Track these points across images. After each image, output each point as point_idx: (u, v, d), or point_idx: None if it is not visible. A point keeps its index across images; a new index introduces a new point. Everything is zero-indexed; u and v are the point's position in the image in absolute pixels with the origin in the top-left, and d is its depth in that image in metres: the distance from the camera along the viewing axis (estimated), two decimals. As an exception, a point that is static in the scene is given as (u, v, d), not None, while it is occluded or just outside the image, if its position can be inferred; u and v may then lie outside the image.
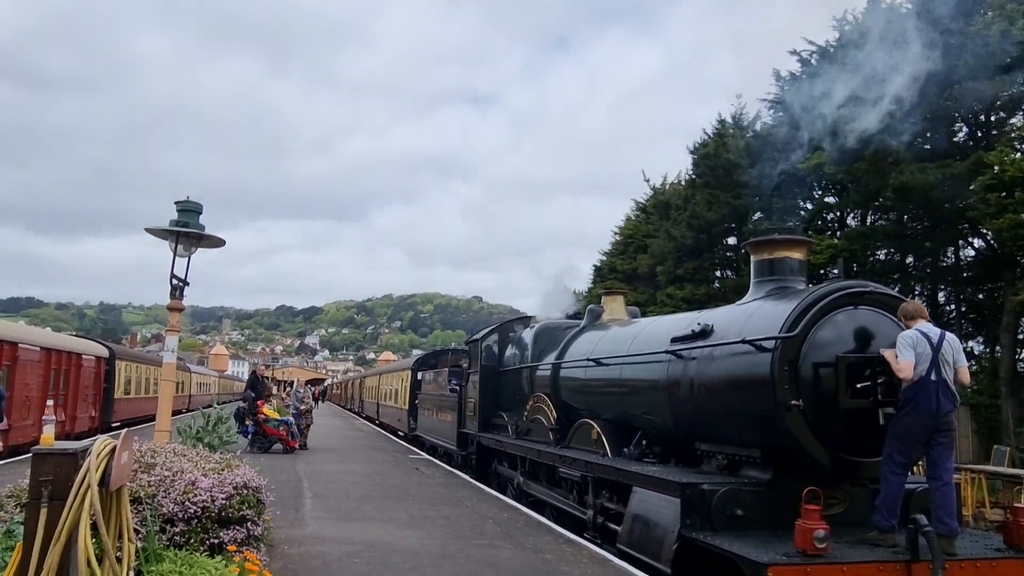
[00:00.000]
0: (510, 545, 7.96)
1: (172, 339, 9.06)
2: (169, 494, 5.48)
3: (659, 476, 6.91)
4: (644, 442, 8.43)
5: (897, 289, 19.28)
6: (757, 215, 26.47)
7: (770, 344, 6.28)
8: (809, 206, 26.05)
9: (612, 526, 7.88)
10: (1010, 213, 18.63)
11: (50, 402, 15.55)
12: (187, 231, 8.46)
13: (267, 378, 26.33)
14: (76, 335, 29.63)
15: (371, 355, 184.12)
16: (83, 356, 20.83)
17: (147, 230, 8.60)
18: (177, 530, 5.40)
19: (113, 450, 3.69)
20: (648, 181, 37.15)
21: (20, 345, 15.94)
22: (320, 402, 52.32)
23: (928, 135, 21.89)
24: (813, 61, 24.93)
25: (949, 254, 24.58)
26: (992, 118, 21.95)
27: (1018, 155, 19.50)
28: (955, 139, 22.74)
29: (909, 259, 25.12)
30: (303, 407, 19.72)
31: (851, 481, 6.32)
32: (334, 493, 11.42)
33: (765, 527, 6.09)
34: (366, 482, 12.94)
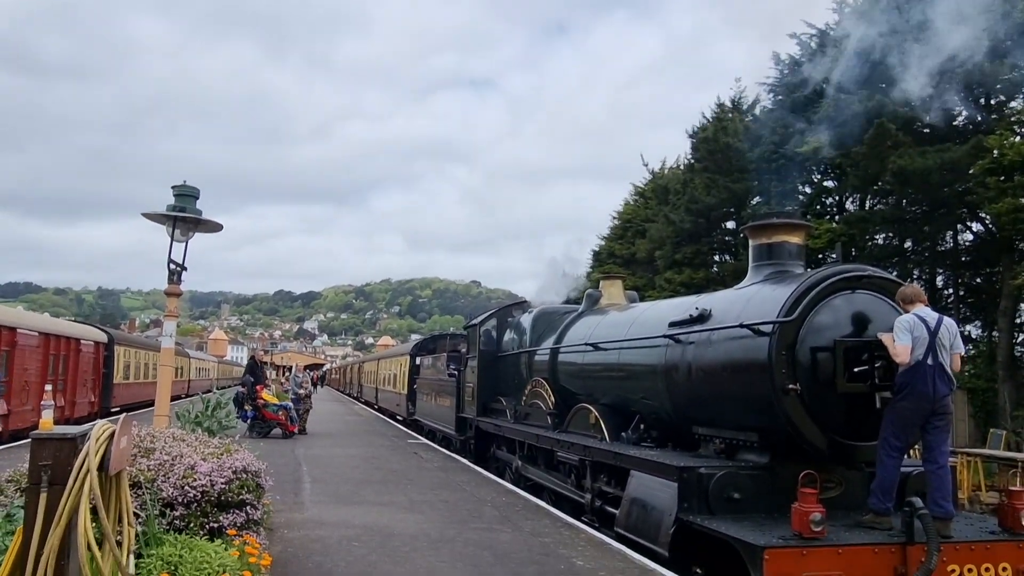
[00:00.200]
0: (508, 529, 8.00)
1: (170, 324, 9.05)
2: (168, 478, 5.50)
3: (657, 460, 6.94)
4: (642, 426, 8.46)
5: (895, 273, 19.28)
6: (756, 199, 26.42)
7: (768, 328, 6.28)
8: (808, 190, 26.02)
9: (610, 510, 7.92)
10: (1009, 197, 18.62)
11: (48, 387, 15.56)
12: (184, 216, 8.43)
13: (265, 363, 26.37)
14: (75, 320, 29.62)
15: (370, 340, 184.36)
16: (82, 341, 20.83)
17: (144, 215, 8.58)
18: (177, 514, 5.42)
19: (112, 435, 3.70)
20: (647, 166, 37.12)
21: (19, 330, 15.93)
22: (319, 387, 52.42)
23: (927, 118, 21.83)
24: (813, 44, 24.81)
25: (948, 238, 24.59)
26: (992, 101, 21.87)
27: (1018, 139, 19.44)
28: (955, 123, 22.67)
29: (908, 243, 25.12)
30: (302, 392, 19.77)
31: (847, 464, 6.34)
32: (333, 477, 11.47)
33: (762, 510, 6.12)
34: (365, 466, 12.99)
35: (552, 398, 10.93)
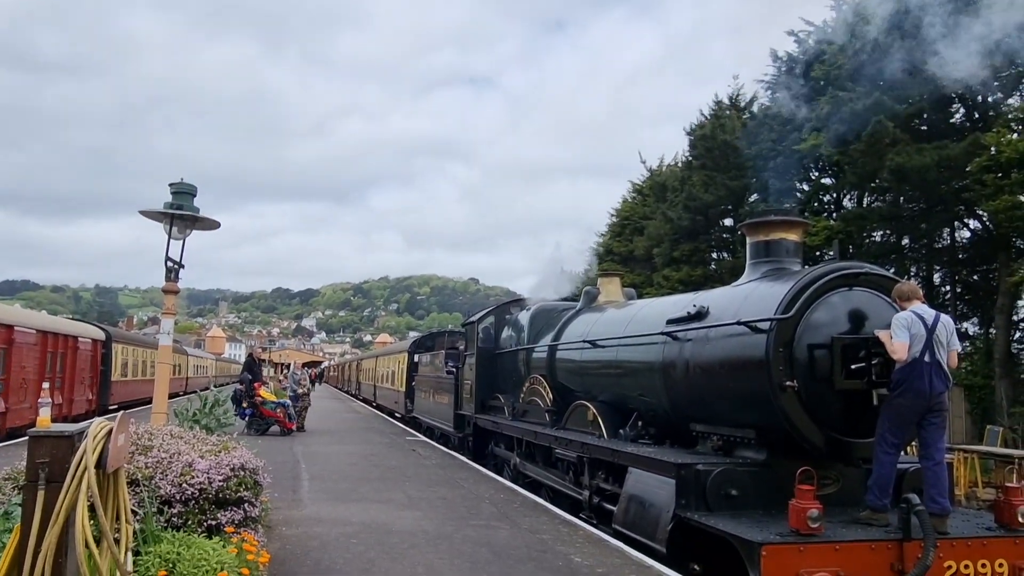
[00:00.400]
0: (506, 525, 8.01)
1: (168, 322, 9.04)
2: (166, 476, 5.50)
3: (654, 457, 6.96)
4: (640, 423, 8.47)
5: (893, 270, 19.30)
6: (754, 196, 26.43)
7: (765, 325, 6.29)
8: (806, 187, 26.03)
9: (608, 506, 7.93)
10: (1006, 194, 18.63)
11: (46, 385, 15.56)
12: (181, 213, 8.42)
13: (264, 361, 26.34)
14: (72, 318, 29.59)
15: (368, 337, 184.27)
16: (79, 339, 20.82)
17: (141, 212, 8.56)
18: (175, 511, 5.43)
19: (109, 432, 3.70)
20: (645, 163, 37.08)
21: (16, 328, 15.92)
22: (317, 384, 52.41)
23: (925, 116, 21.85)
24: (811, 41, 24.79)
25: (945, 235, 24.61)
26: (990, 99, 21.88)
27: (1015, 136, 19.45)
28: (952, 120, 22.69)
29: (905, 240, 25.14)
30: (301, 390, 19.76)
31: (844, 461, 6.36)
32: (331, 475, 11.47)
33: (759, 507, 6.14)
34: (363, 463, 12.99)
35: (550, 395, 10.93)
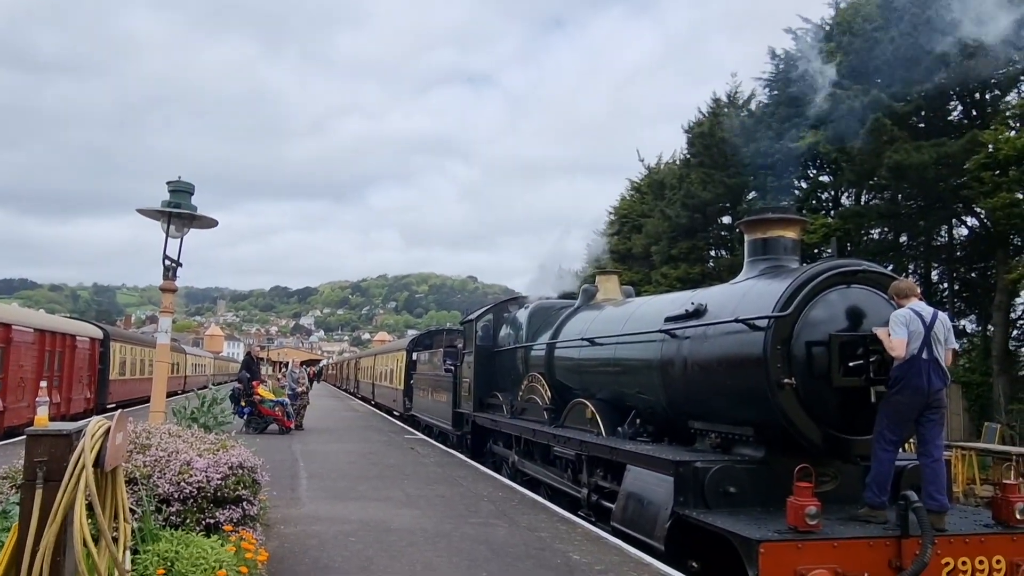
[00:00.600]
0: (505, 523, 8.01)
1: (166, 320, 9.04)
2: (164, 474, 5.50)
3: (653, 454, 6.96)
4: (638, 421, 8.48)
5: (891, 268, 19.34)
6: (751, 194, 26.45)
7: (763, 323, 6.29)
8: (804, 185, 26.05)
9: (606, 504, 7.94)
10: (1004, 192, 18.67)
11: (44, 384, 15.53)
12: (179, 212, 8.41)
13: (262, 359, 26.33)
14: (70, 317, 29.55)
15: (366, 336, 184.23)
16: (77, 338, 20.79)
17: (139, 211, 8.55)
18: (173, 510, 5.42)
19: (107, 431, 3.70)
20: (643, 161, 37.09)
21: (14, 327, 15.89)
22: (315, 383, 52.38)
23: (923, 113, 21.86)
24: (808, 39, 24.79)
25: (943, 233, 24.66)
26: (987, 96, 21.90)
27: (1013, 133, 19.47)
28: (950, 118, 22.71)
29: (903, 238, 25.19)
30: (300, 389, 19.75)
31: (843, 458, 6.37)
32: (330, 473, 11.47)
33: (758, 504, 6.15)
34: (362, 462, 12.99)
35: (548, 393, 10.94)
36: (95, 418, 3.86)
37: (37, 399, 11.39)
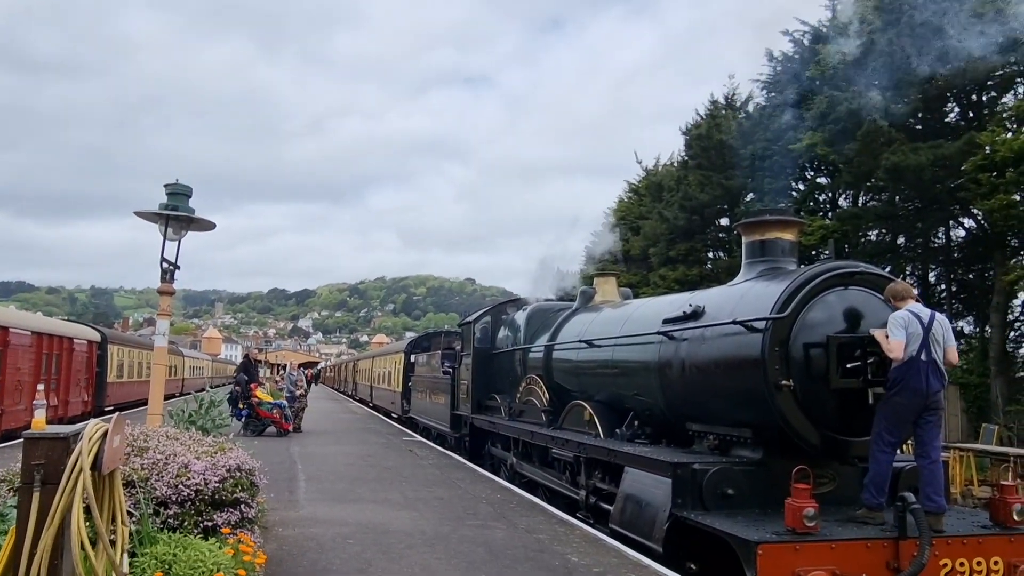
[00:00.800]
0: (503, 525, 8.01)
1: (163, 323, 9.03)
2: (162, 477, 5.49)
3: (651, 456, 6.96)
4: (636, 423, 8.48)
5: (888, 269, 19.38)
6: (749, 196, 26.48)
7: (761, 325, 6.30)
8: (801, 187, 26.09)
9: (604, 506, 7.94)
10: (1001, 193, 18.69)
11: (40, 387, 15.50)
12: (176, 214, 8.40)
13: (260, 362, 26.30)
14: (67, 319, 29.52)
15: (364, 338, 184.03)
16: (75, 340, 20.77)
17: (136, 213, 8.54)
18: (171, 513, 5.41)
19: (105, 434, 3.69)
20: (640, 163, 37.12)
21: (11, 330, 15.87)
22: (314, 385, 52.34)
23: (920, 115, 21.90)
24: (805, 41, 24.86)
25: (940, 235, 24.68)
26: (984, 97, 21.94)
27: (1010, 135, 19.51)
28: (947, 119, 22.75)
29: (900, 240, 25.21)
30: (298, 391, 19.74)
31: (840, 460, 6.38)
32: (328, 475, 11.46)
33: (756, 506, 6.15)
34: (360, 464, 12.98)
35: (546, 395, 10.94)
36: (92, 421, 3.85)
37: (34, 402, 11.36)
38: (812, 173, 26.48)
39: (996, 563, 5.54)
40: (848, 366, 6.07)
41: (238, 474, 5.96)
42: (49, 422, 4.05)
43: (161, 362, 8.97)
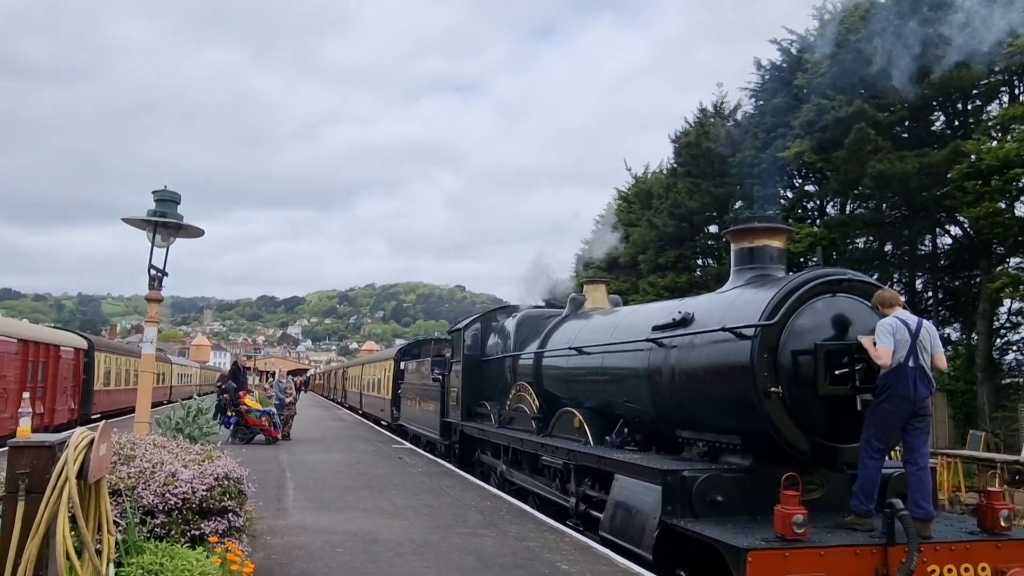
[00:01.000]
0: (493, 533, 7.99)
1: (151, 330, 8.98)
2: (149, 486, 5.45)
3: (640, 463, 6.96)
4: (626, 430, 8.48)
5: (876, 277, 19.45)
6: (738, 204, 26.62)
7: (750, 332, 6.32)
8: (789, 194, 26.24)
9: (594, 513, 7.93)
10: (987, 201, 18.85)
11: (26, 394, 15.36)
12: (164, 221, 8.37)
13: (249, 369, 26.18)
14: (54, 326, 29.29)
15: (354, 345, 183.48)
16: (61, 348, 20.61)
17: (124, 220, 8.51)
18: (158, 522, 5.38)
19: (91, 442, 3.66)
20: (630, 170, 37.24)
21: (-4, 337, 15.74)
22: (303, 392, 52.12)
23: (907, 123, 22.09)
24: (793, 50, 25.05)
25: (927, 242, 24.87)
26: (969, 106, 22.16)
27: (995, 143, 19.70)
28: (933, 128, 22.95)
29: (888, 247, 25.39)
30: (288, 399, 19.63)
31: (829, 466, 6.39)
32: (317, 483, 11.40)
33: (745, 513, 6.16)
34: (349, 472, 12.93)
35: (536, 402, 10.93)
36: (79, 429, 3.82)
37: (19, 410, 11.26)
38: (800, 181, 26.65)
39: (984, 569, 5.57)
40: (836, 373, 6.09)
41: (226, 482, 5.93)
42: (35, 430, 4.01)
43: (148, 369, 8.92)
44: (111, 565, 3.98)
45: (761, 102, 25.96)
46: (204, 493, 5.64)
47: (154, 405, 9.74)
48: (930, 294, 25.48)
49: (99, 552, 3.75)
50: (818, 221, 25.64)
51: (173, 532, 5.38)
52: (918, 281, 25.85)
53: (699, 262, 31.62)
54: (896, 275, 25.39)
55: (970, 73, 19.28)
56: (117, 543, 4.39)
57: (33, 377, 18.07)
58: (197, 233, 8.85)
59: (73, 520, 3.45)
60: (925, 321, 6.03)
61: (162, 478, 5.54)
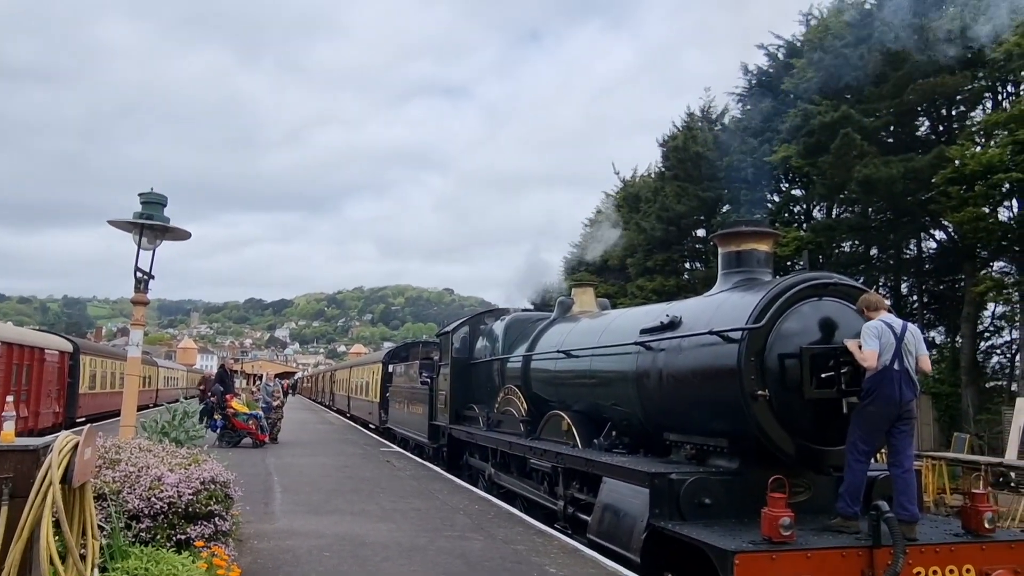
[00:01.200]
0: (481, 536, 7.98)
1: (137, 333, 8.92)
2: (135, 490, 5.42)
3: (628, 466, 6.98)
4: (614, 433, 8.50)
5: (861, 280, 19.64)
6: (725, 207, 26.75)
7: (737, 335, 6.35)
8: (776, 199, 26.41)
9: (582, 516, 7.94)
10: (970, 206, 19.04)
11: (10, 398, 15.21)
12: (151, 223, 8.32)
13: (235, 372, 26.04)
14: (39, 329, 29.04)
15: (342, 348, 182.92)
16: (46, 351, 20.43)
17: (110, 222, 8.45)
18: (143, 526, 5.34)
19: (75, 446, 3.64)
20: (618, 174, 37.36)
21: (-20, 340, 15.59)
22: (290, 395, 51.88)
23: (892, 128, 22.28)
24: (779, 55, 25.22)
25: (912, 246, 25.09)
26: (954, 112, 22.38)
27: (979, 149, 19.90)
28: (917, 133, 23.16)
29: (873, 251, 25.59)
30: (275, 402, 19.54)
31: (816, 469, 6.43)
32: (304, 487, 11.36)
33: (732, 515, 6.17)
34: (337, 475, 12.88)
35: (525, 405, 10.93)
36: (63, 433, 3.80)
37: (3, 413, 11.16)
38: (787, 185, 26.83)
39: (968, 571, 5.61)
40: (823, 376, 6.13)
41: (212, 486, 5.90)
42: (19, 434, 3.98)
43: (134, 373, 8.86)
44: (96, 570, 3.95)
45: (748, 107, 26.13)
46: (190, 497, 5.61)
47: (140, 408, 9.67)
48: (915, 298, 25.70)
49: (83, 557, 3.72)
50: (805, 225, 25.83)
51: (159, 536, 5.35)
52: (903, 285, 26.07)
53: (687, 265, 31.76)
54: (881, 279, 25.59)
55: (954, 79, 19.49)
56: (102, 548, 4.35)
57: (17, 380, 17.90)
58: (184, 236, 8.79)
59: (57, 525, 3.43)
60: (910, 324, 6.07)
61: (148, 482, 5.50)
